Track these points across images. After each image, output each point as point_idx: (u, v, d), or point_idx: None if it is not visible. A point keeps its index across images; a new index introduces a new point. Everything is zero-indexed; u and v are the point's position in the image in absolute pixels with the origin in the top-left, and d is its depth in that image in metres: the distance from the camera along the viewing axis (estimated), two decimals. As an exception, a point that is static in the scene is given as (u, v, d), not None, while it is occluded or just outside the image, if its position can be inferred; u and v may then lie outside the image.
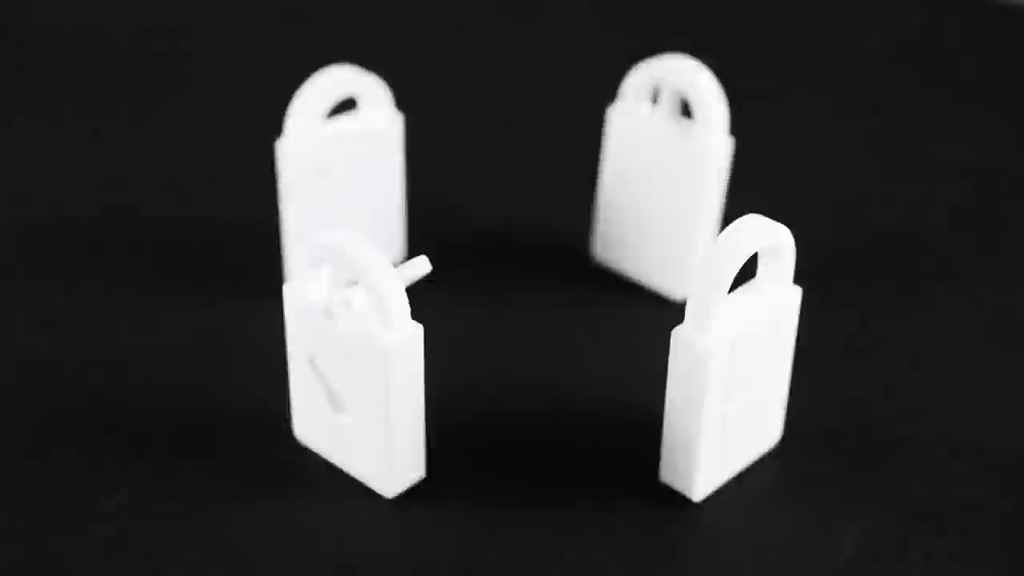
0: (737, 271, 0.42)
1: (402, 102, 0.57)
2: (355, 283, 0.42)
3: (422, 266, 0.44)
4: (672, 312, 0.54)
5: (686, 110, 0.54)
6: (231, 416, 0.47)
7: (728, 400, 0.44)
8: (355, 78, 0.52)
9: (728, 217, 0.55)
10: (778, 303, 0.44)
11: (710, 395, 0.43)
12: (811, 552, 0.44)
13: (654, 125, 0.53)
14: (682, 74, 0.52)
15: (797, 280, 0.46)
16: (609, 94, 0.58)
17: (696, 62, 0.53)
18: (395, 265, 0.49)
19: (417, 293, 0.44)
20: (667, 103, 0.53)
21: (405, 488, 0.45)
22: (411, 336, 0.42)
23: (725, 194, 0.55)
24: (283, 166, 0.52)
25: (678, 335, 0.43)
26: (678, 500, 0.45)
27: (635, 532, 0.44)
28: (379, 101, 0.53)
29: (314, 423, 0.45)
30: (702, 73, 0.52)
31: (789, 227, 0.44)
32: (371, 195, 0.54)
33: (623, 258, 0.57)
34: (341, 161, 0.53)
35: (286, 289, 0.43)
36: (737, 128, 0.56)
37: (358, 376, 0.42)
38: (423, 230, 0.58)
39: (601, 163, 0.57)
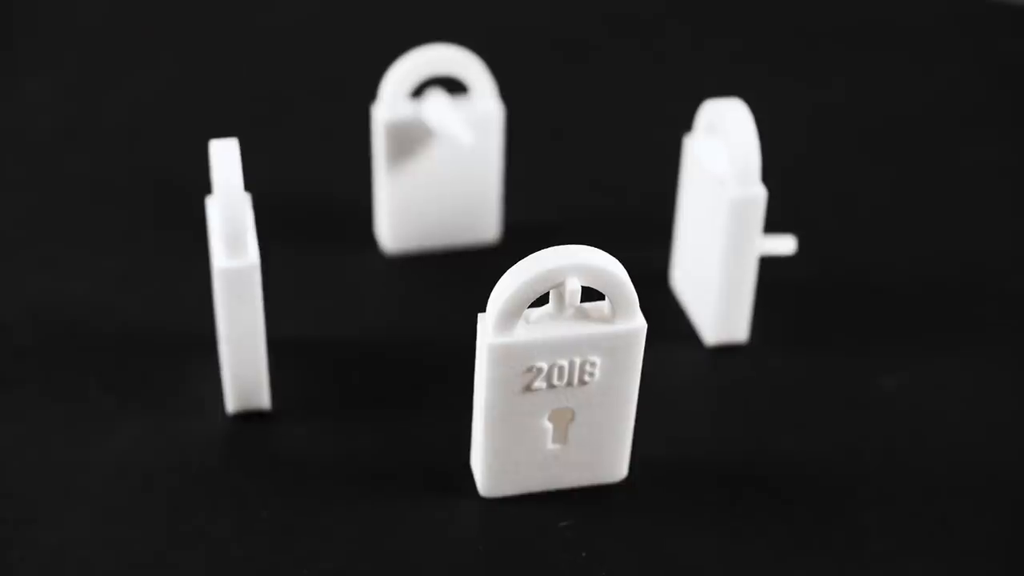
0: (541, 290, 0.44)
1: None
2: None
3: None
4: (694, 353, 0.54)
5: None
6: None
7: (526, 407, 0.45)
8: (463, 59, 0.57)
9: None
10: (605, 332, 0.45)
11: (490, 389, 0.45)
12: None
13: (706, 164, 0.54)
14: (724, 117, 0.53)
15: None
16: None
17: (744, 110, 0.52)
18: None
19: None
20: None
21: (242, 410, 0.51)
22: (248, 266, 0.47)
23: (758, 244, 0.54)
24: (376, 132, 0.58)
25: (482, 320, 0.45)
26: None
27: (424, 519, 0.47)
28: (484, 88, 0.58)
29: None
30: (744, 119, 0.52)
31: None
32: (467, 177, 0.59)
33: (683, 290, 0.57)
34: (437, 138, 0.57)
35: None
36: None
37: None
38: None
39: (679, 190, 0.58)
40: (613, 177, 0.66)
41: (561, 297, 0.44)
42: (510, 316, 0.44)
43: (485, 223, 0.60)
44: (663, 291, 0.58)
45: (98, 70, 0.74)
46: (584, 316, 0.45)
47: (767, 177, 0.54)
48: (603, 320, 0.45)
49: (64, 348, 0.54)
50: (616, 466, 0.48)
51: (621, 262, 0.58)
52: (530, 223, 0.62)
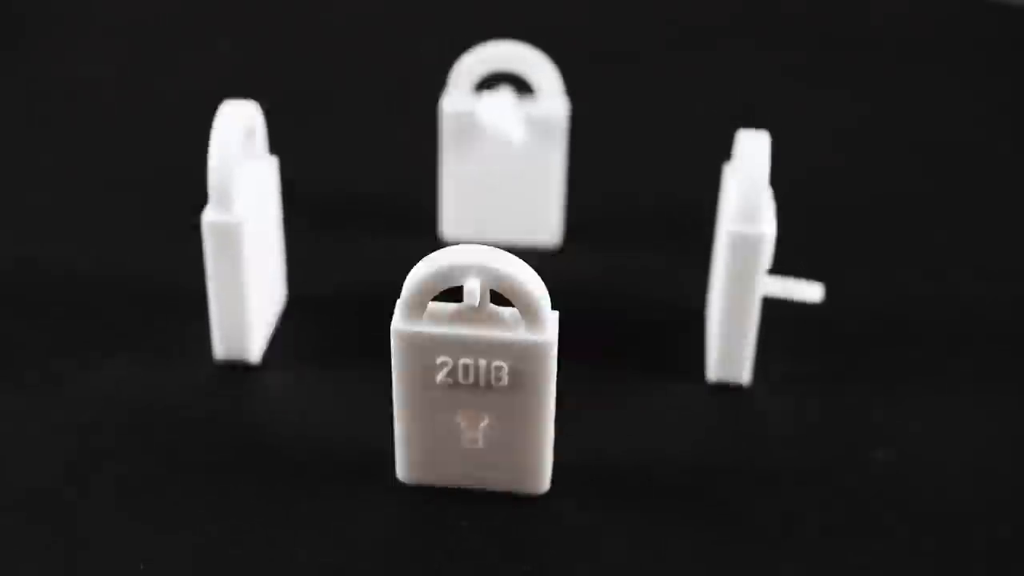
0: (442, 286, 0.44)
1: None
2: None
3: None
4: (691, 386, 0.53)
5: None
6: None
7: (436, 400, 0.46)
8: (532, 58, 0.57)
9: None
10: (506, 339, 0.44)
11: (396, 376, 0.46)
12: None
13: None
14: (742, 150, 0.51)
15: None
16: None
17: (764, 145, 0.50)
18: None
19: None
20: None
21: (228, 359, 0.53)
22: (232, 223, 0.50)
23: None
24: (443, 123, 0.59)
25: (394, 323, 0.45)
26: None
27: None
28: (551, 88, 0.58)
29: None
30: (759, 155, 0.50)
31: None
32: (531, 174, 0.59)
33: (709, 321, 0.56)
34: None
35: None
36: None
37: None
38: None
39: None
40: (688, 187, 0.65)
41: (471, 295, 0.44)
42: (413, 306, 0.44)
43: (545, 223, 0.60)
44: (697, 320, 0.57)
45: (147, 62, 0.78)
46: (496, 319, 0.45)
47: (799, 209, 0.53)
48: (512, 327, 0.44)
49: (70, 299, 0.57)
50: (535, 479, 0.47)
51: (669, 282, 0.57)
52: (594, 227, 0.62)
